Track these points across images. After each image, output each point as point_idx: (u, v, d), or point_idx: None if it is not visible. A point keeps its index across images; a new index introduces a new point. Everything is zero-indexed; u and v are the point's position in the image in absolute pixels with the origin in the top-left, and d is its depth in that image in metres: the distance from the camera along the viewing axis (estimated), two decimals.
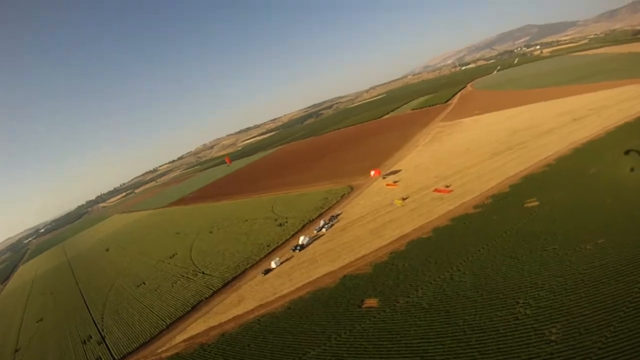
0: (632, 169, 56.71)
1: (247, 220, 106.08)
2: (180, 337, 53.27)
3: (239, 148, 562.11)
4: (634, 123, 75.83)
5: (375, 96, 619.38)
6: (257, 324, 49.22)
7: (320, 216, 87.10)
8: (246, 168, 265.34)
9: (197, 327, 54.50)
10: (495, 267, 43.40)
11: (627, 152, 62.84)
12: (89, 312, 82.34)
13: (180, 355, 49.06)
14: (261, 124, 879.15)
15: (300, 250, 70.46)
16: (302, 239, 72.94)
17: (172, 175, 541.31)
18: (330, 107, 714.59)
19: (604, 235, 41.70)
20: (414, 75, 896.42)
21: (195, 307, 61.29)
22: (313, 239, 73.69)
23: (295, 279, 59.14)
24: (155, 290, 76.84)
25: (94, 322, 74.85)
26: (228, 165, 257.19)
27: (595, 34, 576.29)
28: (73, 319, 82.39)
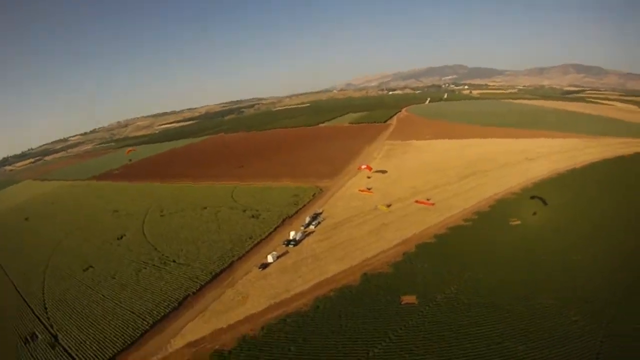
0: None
1: (206, 208, 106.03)
2: (179, 342, 47.61)
3: (156, 131, 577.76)
4: (581, 170, 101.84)
5: (299, 104, 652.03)
6: (284, 324, 48.79)
7: (297, 212, 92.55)
8: (177, 152, 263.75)
9: (196, 329, 49.98)
10: (513, 266, 56.19)
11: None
12: (23, 298, 70.80)
13: None
14: (179, 111, 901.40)
15: (294, 245, 73.63)
16: (292, 234, 76.96)
17: (84, 148, 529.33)
18: (252, 106, 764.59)
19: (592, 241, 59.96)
20: (338, 90, 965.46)
21: (181, 304, 56.48)
22: (304, 235, 78.07)
23: (306, 276, 61.05)
24: (113, 278, 69.72)
25: (35, 314, 62.84)
26: (128, 154, 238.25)
27: (524, 86, 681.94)
28: None
